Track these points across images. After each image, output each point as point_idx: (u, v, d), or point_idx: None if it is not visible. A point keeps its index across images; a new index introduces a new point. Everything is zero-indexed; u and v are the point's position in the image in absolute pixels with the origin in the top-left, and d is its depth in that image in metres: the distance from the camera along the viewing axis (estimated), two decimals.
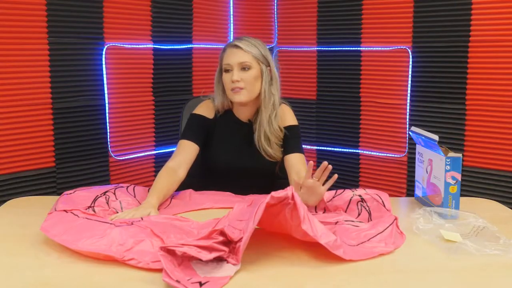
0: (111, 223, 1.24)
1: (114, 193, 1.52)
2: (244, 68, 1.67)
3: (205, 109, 1.79)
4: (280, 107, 1.79)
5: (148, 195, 1.52)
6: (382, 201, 1.44)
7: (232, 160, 1.77)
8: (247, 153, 1.77)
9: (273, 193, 1.16)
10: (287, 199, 1.18)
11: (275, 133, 1.74)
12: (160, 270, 1.06)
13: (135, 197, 1.56)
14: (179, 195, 1.64)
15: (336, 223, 1.35)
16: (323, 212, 1.47)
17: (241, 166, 1.77)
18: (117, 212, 1.45)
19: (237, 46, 1.68)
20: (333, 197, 1.48)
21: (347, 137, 2.90)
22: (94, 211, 1.40)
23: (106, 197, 1.48)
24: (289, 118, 1.80)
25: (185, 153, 1.68)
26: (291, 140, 1.76)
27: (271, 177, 1.83)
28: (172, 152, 2.71)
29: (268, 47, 1.79)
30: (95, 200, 1.45)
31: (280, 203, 1.19)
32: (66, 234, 1.21)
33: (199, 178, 1.84)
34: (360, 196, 1.45)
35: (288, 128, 1.77)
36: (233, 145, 1.78)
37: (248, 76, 1.68)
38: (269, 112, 1.73)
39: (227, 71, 1.69)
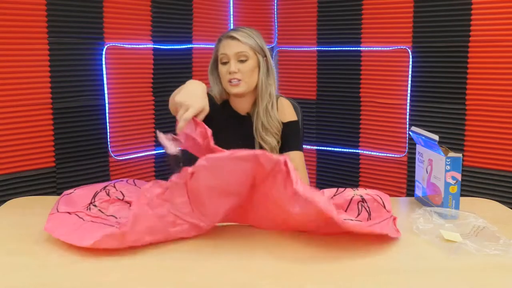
0: (117, 227, 1.25)
1: (114, 186, 1.52)
2: (241, 59, 1.66)
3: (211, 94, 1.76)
4: (279, 101, 1.78)
5: None
6: (383, 202, 1.44)
7: None
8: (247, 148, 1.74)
9: (267, 153, 1.18)
10: (279, 165, 1.18)
11: (273, 123, 1.72)
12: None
13: (135, 185, 1.56)
14: None
15: None
16: None
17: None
18: (120, 200, 1.46)
19: (233, 37, 1.67)
20: (334, 195, 1.48)
21: (347, 137, 2.90)
22: (95, 206, 1.41)
23: (106, 190, 1.49)
24: (288, 113, 1.78)
25: None
26: (289, 137, 1.74)
27: None
28: None
29: (268, 47, 1.78)
30: (95, 196, 1.46)
31: (272, 173, 1.19)
32: (72, 234, 1.21)
33: None
34: (361, 196, 1.46)
35: (288, 124, 1.76)
36: (233, 141, 1.75)
37: (246, 67, 1.66)
38: (265, 102, 1.71)
39: (224, 63, 1.68)
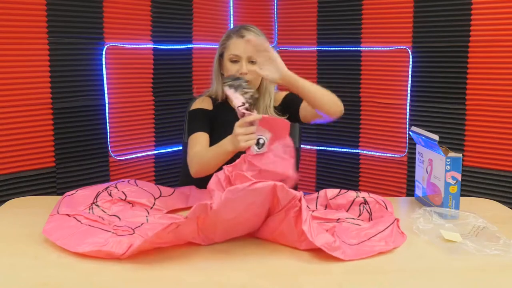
0: (113, 232, 1.24)
1: (116, 187, 1.53)
2: (252, 60, 1.68)
3: (202, 103, 1.79)
4: (275, 95, 1.81)
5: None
6: (385, 205, 1.44)
7: None
8: None
9: (285, 186, 1.19)
10: (294, 200, 1.20)
11: None
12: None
13: (137, 186, 1.56)
14: (181, 189, 1.65)
15: (337, 220, 1.37)
16: (325, 209, 1.48)
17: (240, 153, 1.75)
18: (121, 200, 1.46)
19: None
20: (337, 195, 1.49)
21: (347, 137, 2.90)
22: (97, 205, 1.41)
23: (108, 191, 1.49)
24: (281, 93, 1.83)
25: (204, 143, 1.65)
26: (295, 98, 1.74)
27: None
28: (172, 152, 2.73)
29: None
30: (97, 196, 1.46)
31: (286, 207, 1.21)
32: (68, 238, 1.21)
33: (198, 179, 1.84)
34: (363, 198, 1.46)
35: (286, 96, 1.80)
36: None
37: (255, 68, 1.68)
38: (266, 102, 1.76)
39: (233, 61, 1.70)
